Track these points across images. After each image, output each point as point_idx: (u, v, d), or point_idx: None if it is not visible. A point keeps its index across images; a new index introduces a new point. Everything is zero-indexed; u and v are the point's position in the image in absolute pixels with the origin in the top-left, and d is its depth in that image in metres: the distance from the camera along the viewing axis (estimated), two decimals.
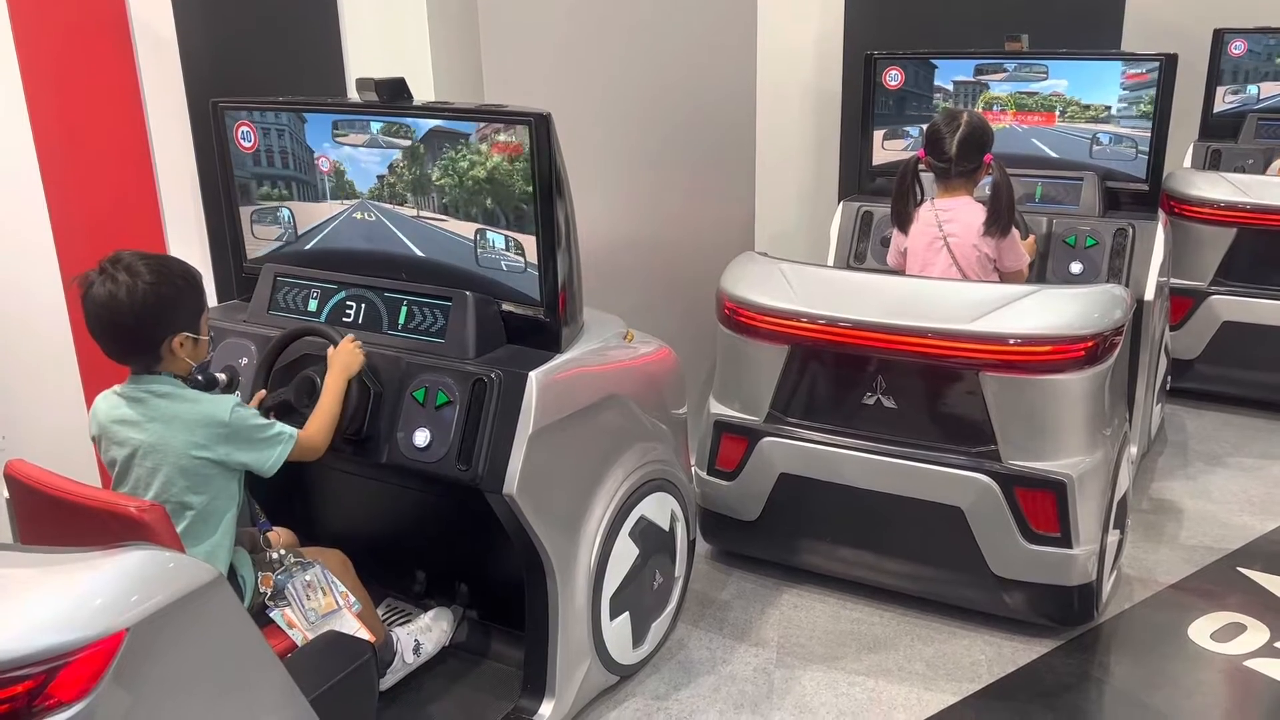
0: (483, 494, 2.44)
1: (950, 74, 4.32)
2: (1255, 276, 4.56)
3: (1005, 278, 3.37)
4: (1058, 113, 4.13)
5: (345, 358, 2.47)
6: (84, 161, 3.10)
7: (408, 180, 2.65)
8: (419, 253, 2.70)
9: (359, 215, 2.77)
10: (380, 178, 2.69)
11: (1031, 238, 3.72)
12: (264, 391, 2.59)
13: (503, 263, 2.58)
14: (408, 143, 2.63)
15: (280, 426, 2.29)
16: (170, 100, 3.29)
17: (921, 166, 3.44)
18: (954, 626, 3.18)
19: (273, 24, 3.51)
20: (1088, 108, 4.05)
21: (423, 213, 2.66)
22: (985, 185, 3.47)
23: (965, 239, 3.32)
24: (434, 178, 2.60)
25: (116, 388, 2.24)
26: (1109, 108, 4.02)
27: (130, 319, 2.12)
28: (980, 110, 4.20)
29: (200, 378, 2.33)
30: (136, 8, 3.15)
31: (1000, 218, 3.29)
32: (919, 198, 3.47)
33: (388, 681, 2.66)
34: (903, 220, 3.47)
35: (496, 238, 2.58)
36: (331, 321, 2.72)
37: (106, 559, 1.69)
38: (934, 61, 4.34)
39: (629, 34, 3.62)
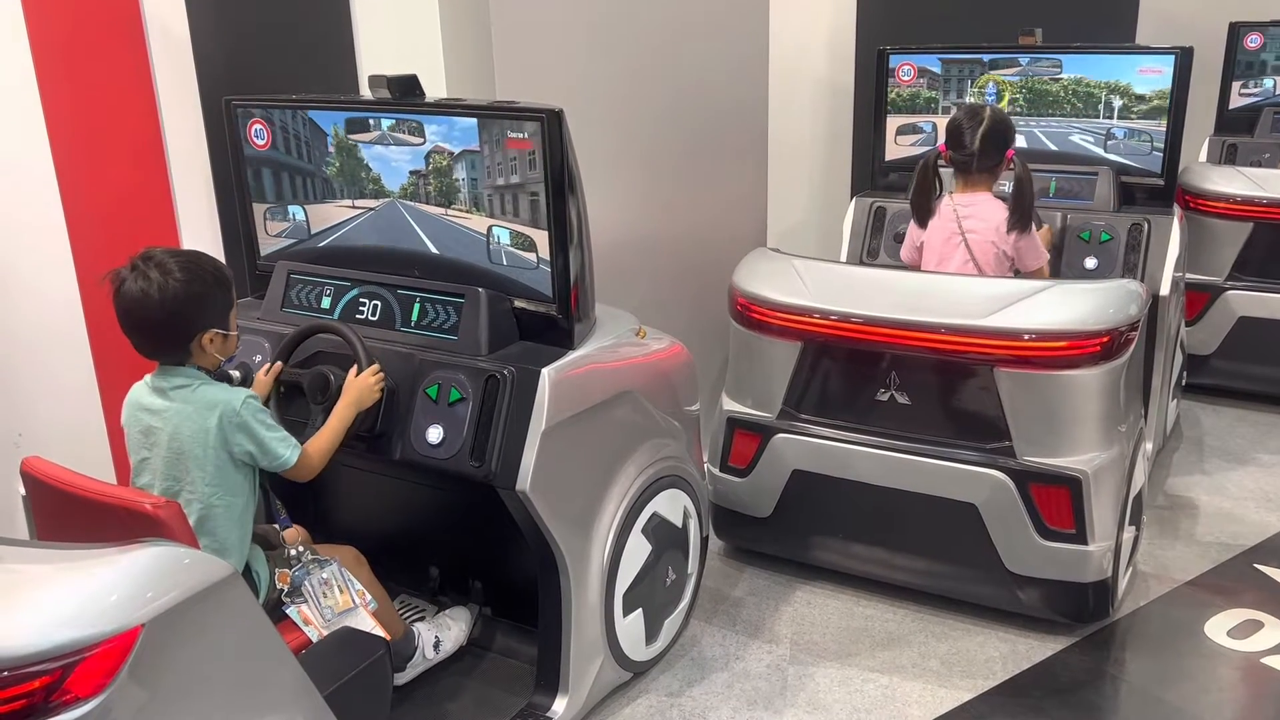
0: (496, 490, 2.45)
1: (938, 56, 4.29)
2: (1271, 271, 4.53)
3: (1026, 278, 3.36)
4: (1108, 104, 4.06)
5: (362, 391, 2.46)
6: (98, 159, 3.11)
7: (446, 180, 2.63)
8: (434, 250, 2.70)
9: (376, 213, 2.77)
10: (415, 173, 2.67)
11: (1046, 227, 3.69)
12: (281, 364, 2.60)
13: (513, 259, 2.58)
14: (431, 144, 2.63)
15: (287, 434, 2.30)
16: (184, 98, 3.30)
17: (941, 161, 3.43)
18: (968, 623, 3.17)
19: (285, 22, 3.52)
20: (1141, 97, 3.98)
21: (460, 214, 2.64)
22: (1004, 181, 3.46)
23: (984, 235, 3.31)
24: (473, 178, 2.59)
25: (147, 377, 2.27)
26: (1147, 96, 3.98)
27: (161, 316, 2.15)
28: (978, 90, 4.19)
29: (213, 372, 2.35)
30: (150, 5, 3.16)
31: (1024, 213, 3.28)
32: (939, 191, 3.46)
33: (407, 676, 2.67)
34: (922, 214, 3.45)
35: (503, 232, 2.57)
36: (345, 318, 2.73)
37: (122, 555, 1.70)
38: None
39: (641, 29, 3.62)
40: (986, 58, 4.24)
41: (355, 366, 2.49)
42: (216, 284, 2.22)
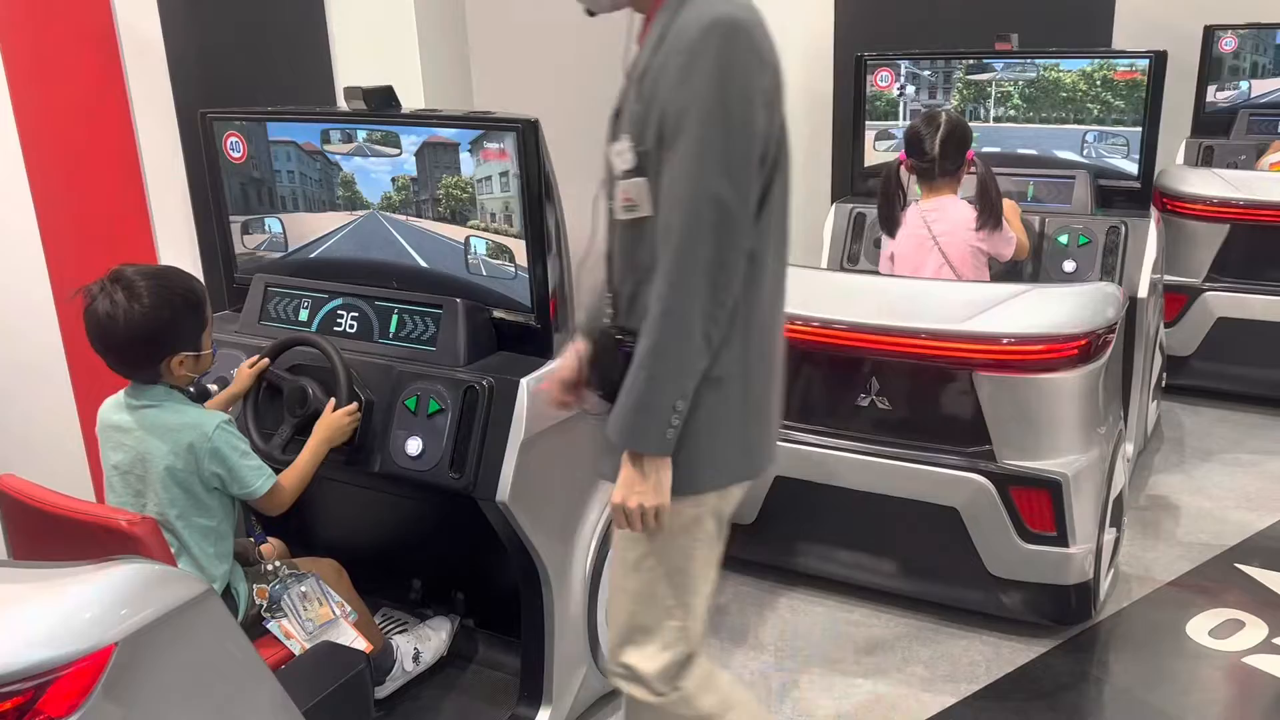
0: (476, 502, 2.44)
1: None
2: (1249, 272, 4.56)
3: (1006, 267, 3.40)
4: (1084, 108, 4.05)
5: (334, 430, 2.42)
6: (73, 173, 3.10)
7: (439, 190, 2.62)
8: (414, 260, 2.69)
9: (354, 225, 2.77)
10: (395, 182, 2.66)
11: (1011, 203, 3.66)
12: (268, 361, 2.57)
13: (491, 269, 2.58)
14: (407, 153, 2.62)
15: (262, 463, 2.27)
16: (159, 111, 3.29)
17: (904, 169, 3.46)
18: (952, 628, 3.18)
19: (261, 33, 3.51)
20: (1117, 101, 3.98)
21: (440, 226, 2.63)
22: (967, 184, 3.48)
23: (956, 236, 3.34)
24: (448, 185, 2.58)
25: (120, 393, 2.25)
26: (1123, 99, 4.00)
27: (126, 340, 2.12)
28: (957, 100, 4.22)
29: (192, 388, 2.33)
30: (124, 17, 3.14)
31: (992, 210, 3.32)
32: (904, 201, 3.49)
33: (387, 689, 2.65)
34: (890, 224, 3.48)
35: (480, 243, 2.57)
36: (323, 331, 2.71)
37: (96, 573, 1.68)
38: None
39: (619, 38, 3.62)
40: (963, 63, 4.26)
41: (334, 400, 2.46)
42: (186, 306, 2.17)
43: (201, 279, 3.35)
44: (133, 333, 2.11)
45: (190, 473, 2.18)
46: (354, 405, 2.47)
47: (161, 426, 2.18)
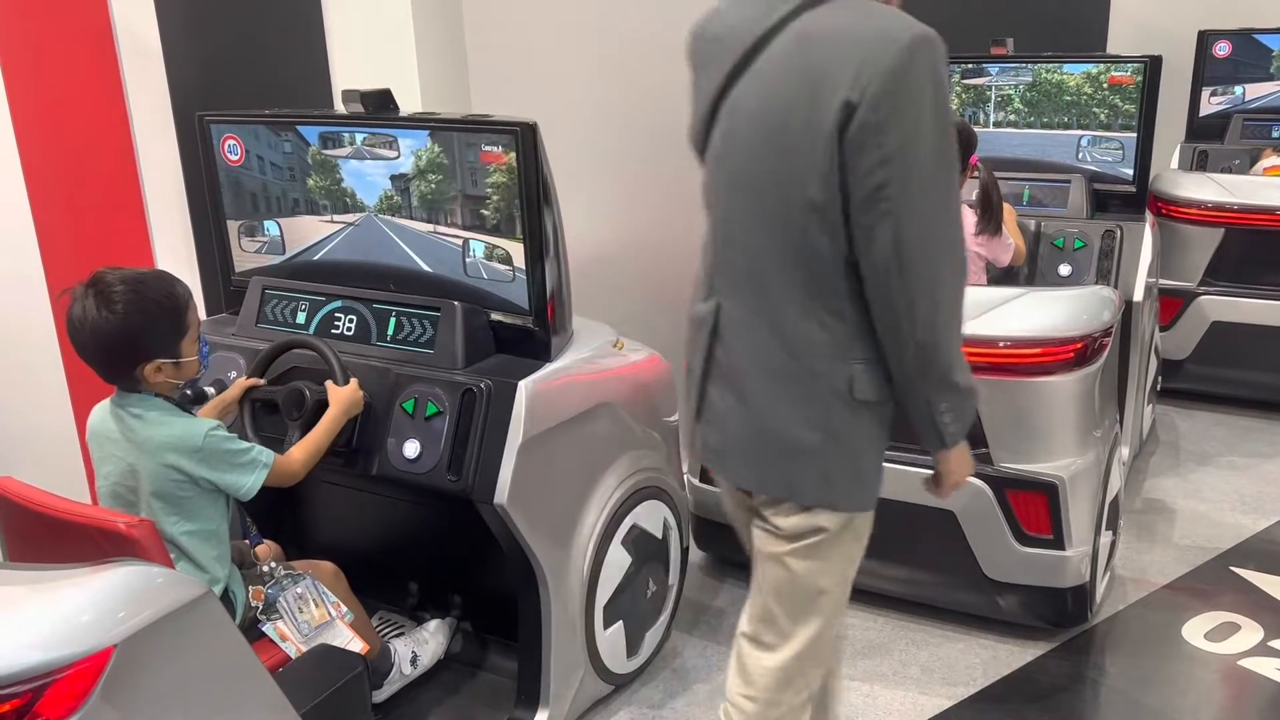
0: (474, 504, 2.44)
1: None
2: (1243, 276, 4.58)
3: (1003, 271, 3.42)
4: (1080, 112, 4.05)
5: (350, 401, 2.43)
6: (70, 176, 3.09)
7: (425, 191, 2.62)
8: (414, 262, 2.69)
9: (353, 228, 2.77)
10: (394, 180, 2.66)
11: (1009, 205, 3.67)
12: (258, 379, 2.57)
13: (490, 271, 2.58)
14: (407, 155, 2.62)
15: (258, 451, 2.23)
16: (156, 113, 3.29)
17: None
18: (948, 630, 3.18)
19: (259, 36, 3.51)
20: (1112, 105, 3.99)
21: (438, 228, 2.63)
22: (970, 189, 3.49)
23: None
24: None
25: (107, 400, 2.23)
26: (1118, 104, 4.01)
27: (95, 347, 2.09)
28: (955, 105, 4.23)
29: (189, 392, 2.32)
30: (121, 20, 3.14)
31: (992, 217, 3.33)
32: None
33: (384, 693, 2.65)
34: None
35: (478, 245, 2.57)
36: (320, 334, 2.71)
37: (94, 575, 1.68)
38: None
39: (614, 42, 3.63)
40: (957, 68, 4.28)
41: (330, 382, 2.46)
42: (161, 313, 2.11)
43: (199, 282, 3.37)
44: (100, 340, 2.07)
45: (181, 483, 2.15)
46: (355, 381, 2.47)
47: (148, 441, 2.14)
